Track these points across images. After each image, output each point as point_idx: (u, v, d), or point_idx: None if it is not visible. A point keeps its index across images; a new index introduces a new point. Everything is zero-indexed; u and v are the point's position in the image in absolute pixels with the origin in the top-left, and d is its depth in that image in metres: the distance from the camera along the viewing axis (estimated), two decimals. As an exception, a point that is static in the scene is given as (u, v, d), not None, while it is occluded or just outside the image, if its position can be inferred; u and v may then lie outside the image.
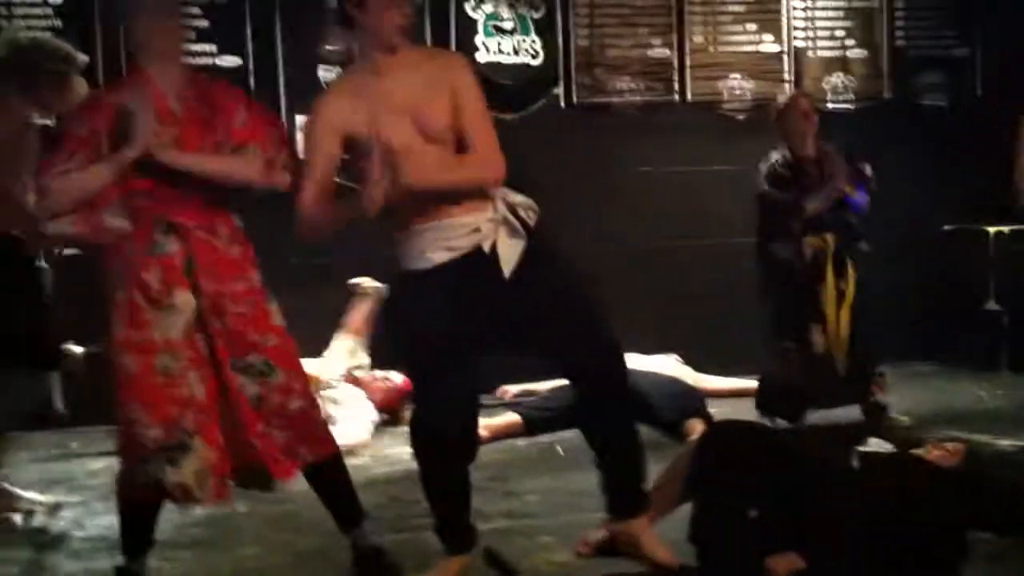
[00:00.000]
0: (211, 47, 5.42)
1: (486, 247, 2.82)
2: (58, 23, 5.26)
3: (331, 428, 3.27)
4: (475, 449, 3.05)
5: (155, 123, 2.86)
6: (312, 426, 3.06)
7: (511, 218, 2.85)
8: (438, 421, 2.91)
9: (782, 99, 5.12)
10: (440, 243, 2.81)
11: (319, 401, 3.29)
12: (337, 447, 3.15)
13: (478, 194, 2.83)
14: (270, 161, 3.00)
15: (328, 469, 3.10)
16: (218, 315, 2.93)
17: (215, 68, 5.33)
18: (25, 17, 5.25)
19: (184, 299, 2.91)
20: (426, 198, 2.79)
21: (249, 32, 5.44)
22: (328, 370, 5.02)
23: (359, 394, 5.02)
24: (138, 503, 3.00)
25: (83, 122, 2.96)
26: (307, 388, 3.09)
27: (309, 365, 3.88)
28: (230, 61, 5.46)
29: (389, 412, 5.07)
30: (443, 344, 2.84)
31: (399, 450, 4.59)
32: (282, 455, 3.00)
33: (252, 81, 5.42)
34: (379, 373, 5.16)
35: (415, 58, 2.87)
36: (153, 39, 2.94)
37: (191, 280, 2.92)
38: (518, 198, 2.90)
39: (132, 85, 2.99)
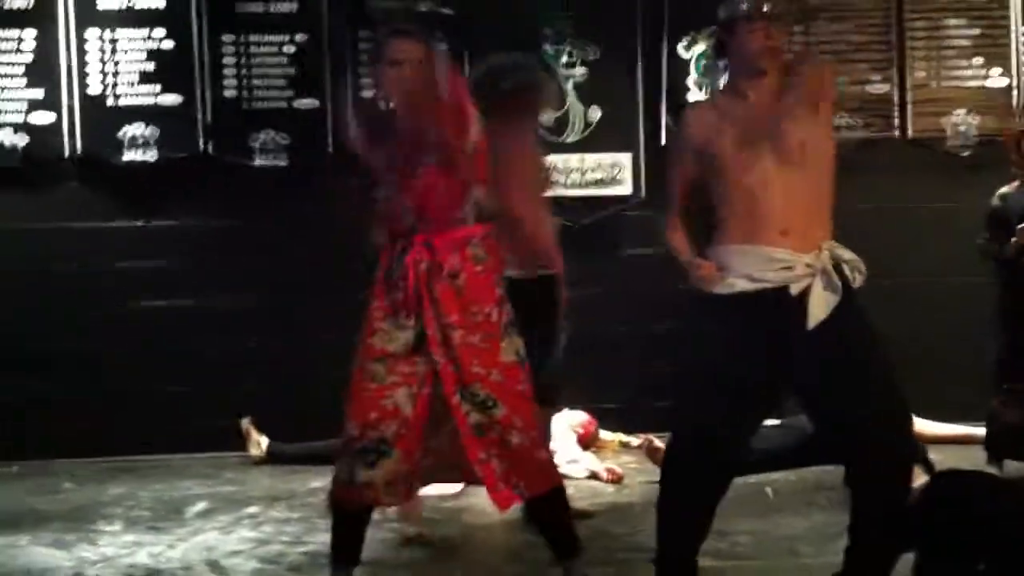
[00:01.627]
0: (290, 92, 5.66)
1: (794, 290, 2.79)
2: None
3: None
4: (729, 483, 3.01)
5: None
6: (533, 462, 3.10)
7: (831, 270, 2.81)
8: (706, 447, 2.87)
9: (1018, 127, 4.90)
10: (748, 269, 2.81)
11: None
12: (560, 482, 3.19)
13: (806, 235, 2.82)
14: None
15: (547, 505, 3.14)
16: (445, 343, 3.04)
17: (294, 110, 5.60)
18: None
19: (406, 319, 3.06)
20: (758, 216, 2.82)
21: (328, 76, 5.62)
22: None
23: (567, 431, 5.08)
24: (342, 508, 3.13)
25: None
26: (531, 425, 3.12)
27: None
28: (308, 103, 5.65)
29: (585, 447, 5.11)
30: (728, 373, 2.83)
31: (599, 484, 4.65)
32: (501, 483, 3.08)
33: (330, 122, 5.60)
34: (567, 410, 5.21)
35: (778, 79, 2.90)
36: None
37: (419, 304, 3.05)
38: (847, 254, 2.87)
39: None
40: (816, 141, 2.86)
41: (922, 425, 5.12)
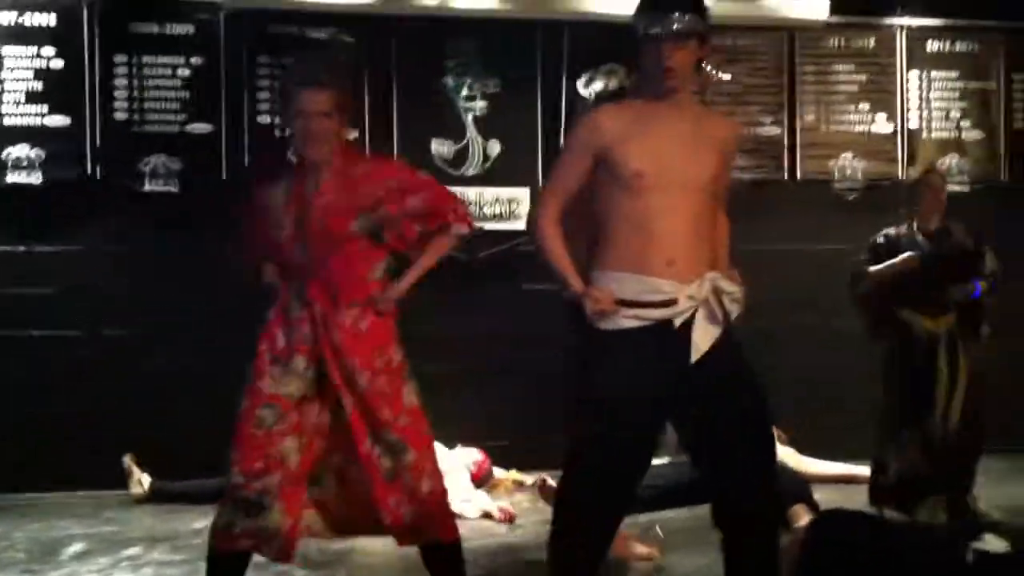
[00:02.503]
0: (183, 116, 5.55)
1: (676, 322, 2.76)
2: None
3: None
4: (620, 521, 2.99)
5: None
6: (440, 509, 3.10)
7: (713, 302, 2.79)
8: (598, 484, 2.82)
9: (914, 174, 5.05)
10: (633, 304, 2.76)
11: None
12: (458, 535, 3.17)
13: (691, 265, 2.79)
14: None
15: (446, 554, 3.14)
16: (351, 388, 3.00)
17: (187, 135, 5.51)
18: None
19: (301, 364, 3.00)
20: (647, 241, 2.77)
21: (224, 100, 5.56)
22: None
23: (460, 469, 5.04)
24: (220, 553, 3.04)
25: None
26: (437, 469, 3.12)
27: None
28: (201, 128, 5.54)
29: (478, 485, 5.08)
30: (617, 408, 2.79)
31: (492, 523, 4.62)
32: (409, 533, 3.06)
33: (224, 147, 5.54)
34: (460, 448, 5.19)
35: (692, 110, 2.90)
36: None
37: (316, 349, 3.00)
38: (728, 286, 2.83)
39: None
40: (717, 174, 2.87)
41: (808, 464, 5.27)
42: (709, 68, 5.68)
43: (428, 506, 3.05)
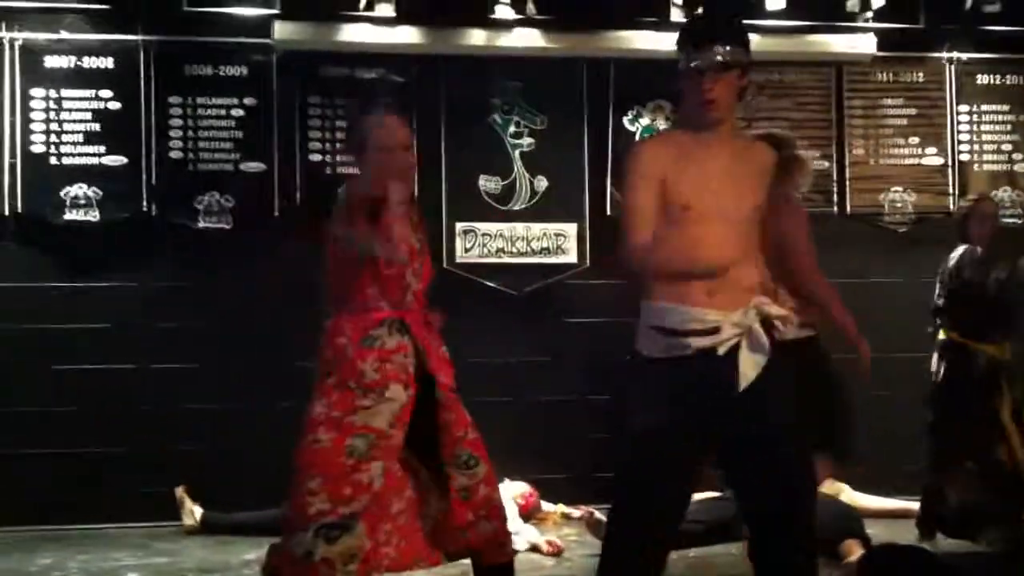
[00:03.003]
0: (237, 154, 5.65)
1: (721, 351, 2.72)
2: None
3: None
4: (668, 555, 2.91)
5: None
6: (506, 525, 3.23)
7: (758, 329, 2.75)
8: (645, 518, 2.77)
9: (965, 203, 5.00)
10: (677, 333, 2.73)
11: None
12: (514, 554, 3.30)
13: (734, 294, 2.76)
14: None
15: (506, 572, 3.23)
16: (445, 407, 3.13)
17: (240, 172, 5.60)
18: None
19: (397, 391, 3.08)
20: (692, 275, 2.75)
21: (276, 139, 5.66)
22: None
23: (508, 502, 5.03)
24: None
25: None
26: (497, 484, 3.26)
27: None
28: (254, 166, 5.62)
29: (526, 519, 5.06)
30: (662, 440, 2.74)
31: (539, 556, 4.62)
32: (492, 545, 3.16)
33: (276, 185, 5.63)
34: (508, 481, 5.18)
35: (734, 141, 2.90)
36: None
37: (414, 373, 3.12)
38: (775, 310, 2.79)
39: None
40: (760, 203, 2.84)
41: (859, 498, 5.20)
42: (752, 99, 5.69)
43: (500, 517, 3.18)
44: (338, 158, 5.66)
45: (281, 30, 5.59)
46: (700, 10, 5.74)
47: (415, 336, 3.13)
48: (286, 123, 5.66)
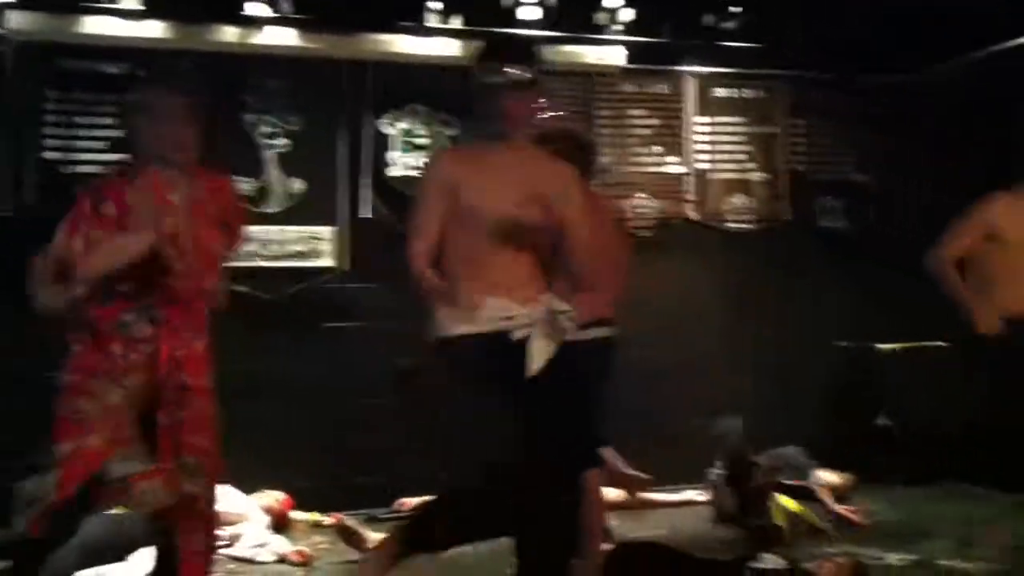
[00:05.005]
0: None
1: (515, 336, 2.93)
2: None
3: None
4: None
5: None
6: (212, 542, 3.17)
7: (548, 320, 2.95)
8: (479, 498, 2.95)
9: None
10: (474, 316, 2.92)
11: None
12: None
13: (527, 292, 2.98)
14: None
15: None
16: (178, 405, 3.02)
17: None
18: None
19: (135, 382, 3.00)
20: (481, 274, 2.94)
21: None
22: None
23: (259, 512, 4.96)
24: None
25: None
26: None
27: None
28: None
29: (278, 528, 4.98)
30: (467, 414, 2.92)
31: (288, 568, 4.56)
32: (198, 559, 3.10)
33: None
34: (261, 492, 5.11)
35: (528, 154, 3.06)
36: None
37: (155, 368, 3.01)
38: (563, 306, 3.00)
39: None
40: (549, 211, 3.03)
41: (610, 492, 5.43)
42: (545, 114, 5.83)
43: (211, 534, 3.17)
44: (78, 156, 5.37)
45: (16, 19, 5.25)
46: (458, 17, 5.82)
47: (166, 329, 3.05)
48: (21, 119, 5.33)
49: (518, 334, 2.93)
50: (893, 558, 4.41)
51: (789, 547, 4.51)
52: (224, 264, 3.25)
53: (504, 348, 2.92)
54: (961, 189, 4.29)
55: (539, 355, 2.92)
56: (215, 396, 3.18)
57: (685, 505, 5.57)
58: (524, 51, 3.02)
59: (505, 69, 2.92)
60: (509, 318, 2.92)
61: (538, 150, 3.24)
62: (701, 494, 5.54)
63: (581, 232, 3.09)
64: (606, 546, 4.29)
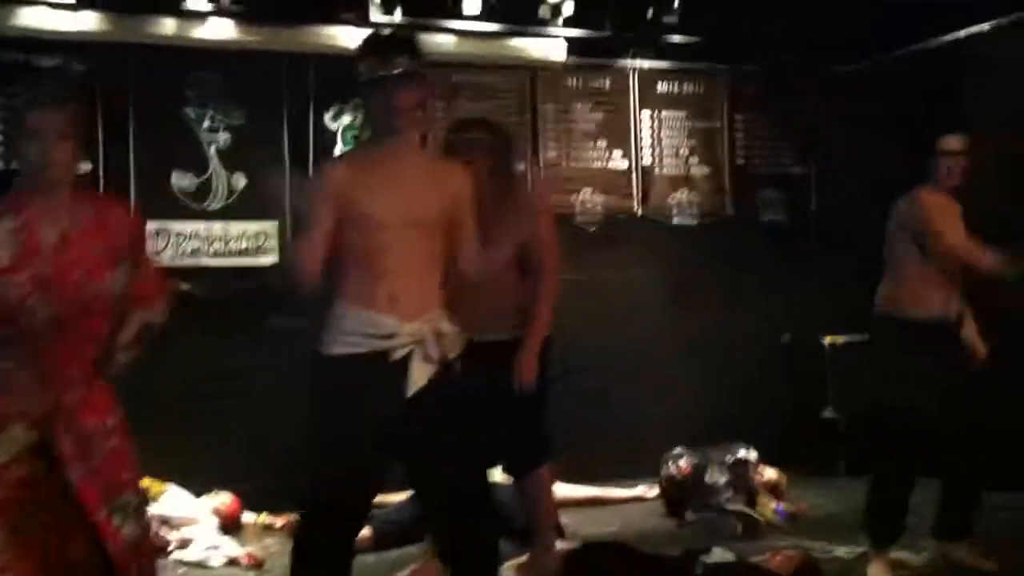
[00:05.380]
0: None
1: (396, 355, 2.86)
2: None
3: None
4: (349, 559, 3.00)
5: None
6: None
7: (431, 341, 2.88)
8: (330, 518, 2.88)
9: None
10: (355, 332, 2.86)
11: None
12: None
13: (414, 303, 2.89)
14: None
15: None
16: (89, 455, 2.65)
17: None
18: None
19: (18, 432, 2.62)
20: (373, 278, 2.87)
21: (101, 138, 5.32)
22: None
23: (208, 515, 4.88)
24: None
25: None
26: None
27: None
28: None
29: (227, 531, 4.90)
30: (342, 439, 2.84)
31: (239, 571, 4.52)
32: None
33: (103, 186, 5.28)
34: (210, 495, 5.03)
35: (420, 151, 3.03)
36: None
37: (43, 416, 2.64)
38: (447, 327, 2.94)
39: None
40: (444, 214, 2.97)
41: (563, 489, 5.44)
42: (436, 110, 5.81)
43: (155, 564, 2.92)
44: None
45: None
46: (398, 11, 5.76)
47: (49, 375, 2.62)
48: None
49: (398, 354, 2.87)
50: (841, 550, 4.48)
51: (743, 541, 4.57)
52: (127, 306, 2.78)
53: (383, 369, 2.86)
54: (900, 181, 4.33)
55: (419, 376, 2.88)
56: (128, 431, 2.76)
57: (635, 501, 5.58)
58: (406, 44, 2.96)
59: (386, 63, 2.87)
60: (390, 336, 2.86)
61: (427, 151, 3.23)
62: (650, 489, 5.57)
63: (472, 232, 3.06)
64: (559, 543, 4.32)
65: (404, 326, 2.86)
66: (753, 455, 5.30)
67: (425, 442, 2.90)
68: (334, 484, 2.87)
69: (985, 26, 5.73)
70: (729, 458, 5.26)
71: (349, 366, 2.86)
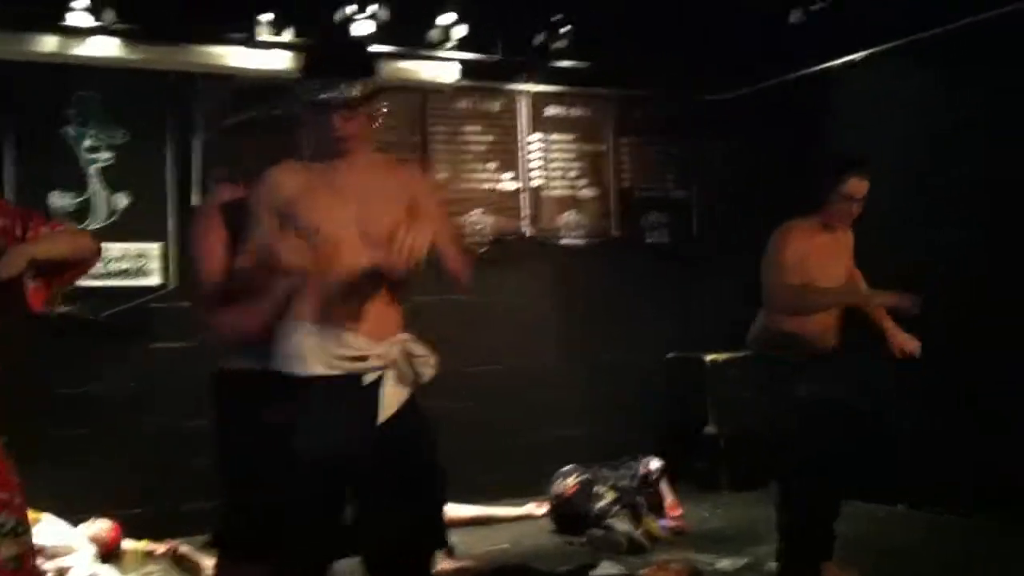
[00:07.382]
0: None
1: (366, 379, 2.66)
2: None
3: None
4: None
5: None
6: None
7: (403, 364, 2.69)
8: (296, 540, 2.67)
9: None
10: (324, 352, 2.64)
11: None
12: None
13: (379, 323, 2.69)
14: None
15: None
16: None
17: None
18: None
19: None
20: (337, 296, 2.64)
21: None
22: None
23: (86, 543, 4.73)
24: None
25: None
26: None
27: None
28: None
29: (106, 559, 4.76)
30: (305, 459, 2.64)
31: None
32: None
33: None
34: (88, 522, 4.89)
35: (370, 164, 2.76)
36: None
37: None
38: (419, 349, 2.73)
39: None
40: (400, 224, 2.65)
41: (450, 509, 5.45)
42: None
43: None
44: None
45: None
46: (287, 32, 5.73)
47: None
48: None
49: (369, 377, 2.68)
50: (725, 563, 4.59)
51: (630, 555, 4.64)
52: None
53: (354, 392, 2.68)
54: (778, 206, 4.44)
55: (391, 402, 2.69)
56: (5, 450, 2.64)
57: (524, 519, 5.62)
58: (354, 64, 2.69)
59: (328, 86, 2.61)
60: (362, 359, 2.66)
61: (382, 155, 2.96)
62: (539, 507, 5.62)
63: (448, 231, 2.85)
64: (449, 563, 4.32)
65: (374, 347, 2.67)
66: (655, 464, 5.38)
67: (388, 471, 2.69)
68: (301, 513, 2.66)
69: (859, 55, 5.97)
70: (624, 473, 5.35)
71: (316, 389, 2.65)
